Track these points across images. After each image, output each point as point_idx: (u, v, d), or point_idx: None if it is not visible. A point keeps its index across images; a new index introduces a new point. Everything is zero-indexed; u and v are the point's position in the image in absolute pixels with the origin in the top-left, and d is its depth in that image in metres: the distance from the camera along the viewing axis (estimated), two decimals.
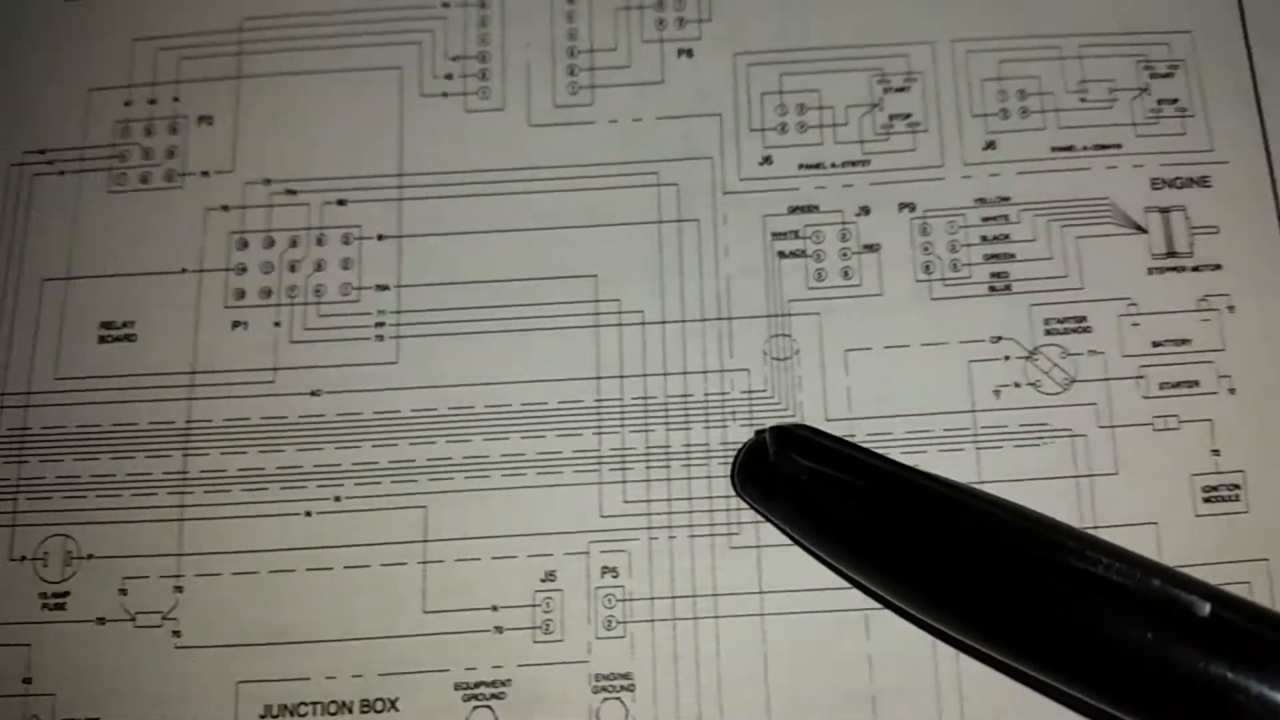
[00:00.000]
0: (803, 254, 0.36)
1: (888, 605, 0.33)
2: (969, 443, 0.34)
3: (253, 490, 0.35)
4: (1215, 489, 0.34)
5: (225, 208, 0.38)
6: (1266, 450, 0.35)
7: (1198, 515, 0.34)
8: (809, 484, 0.30)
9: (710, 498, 0.34)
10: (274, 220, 0.37)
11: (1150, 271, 0.36)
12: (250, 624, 0.34)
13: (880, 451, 0.33)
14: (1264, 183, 0.37)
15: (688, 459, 0.34)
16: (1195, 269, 0.37)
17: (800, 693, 0.33)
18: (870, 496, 0.29)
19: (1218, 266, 0.37)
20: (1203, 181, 0.36)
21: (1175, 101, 0.38)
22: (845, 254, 0.36)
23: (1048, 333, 0.36)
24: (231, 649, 0.34)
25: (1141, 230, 0.36)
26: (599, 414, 0.35)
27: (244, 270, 0.37)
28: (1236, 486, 0.34)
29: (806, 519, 0.31)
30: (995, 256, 0.36)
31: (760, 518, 0.35)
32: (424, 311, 0.37)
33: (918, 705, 0.33)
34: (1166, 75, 0.38)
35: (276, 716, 0.34)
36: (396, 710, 0.33)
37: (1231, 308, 0.36)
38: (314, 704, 0.33)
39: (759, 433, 0.34)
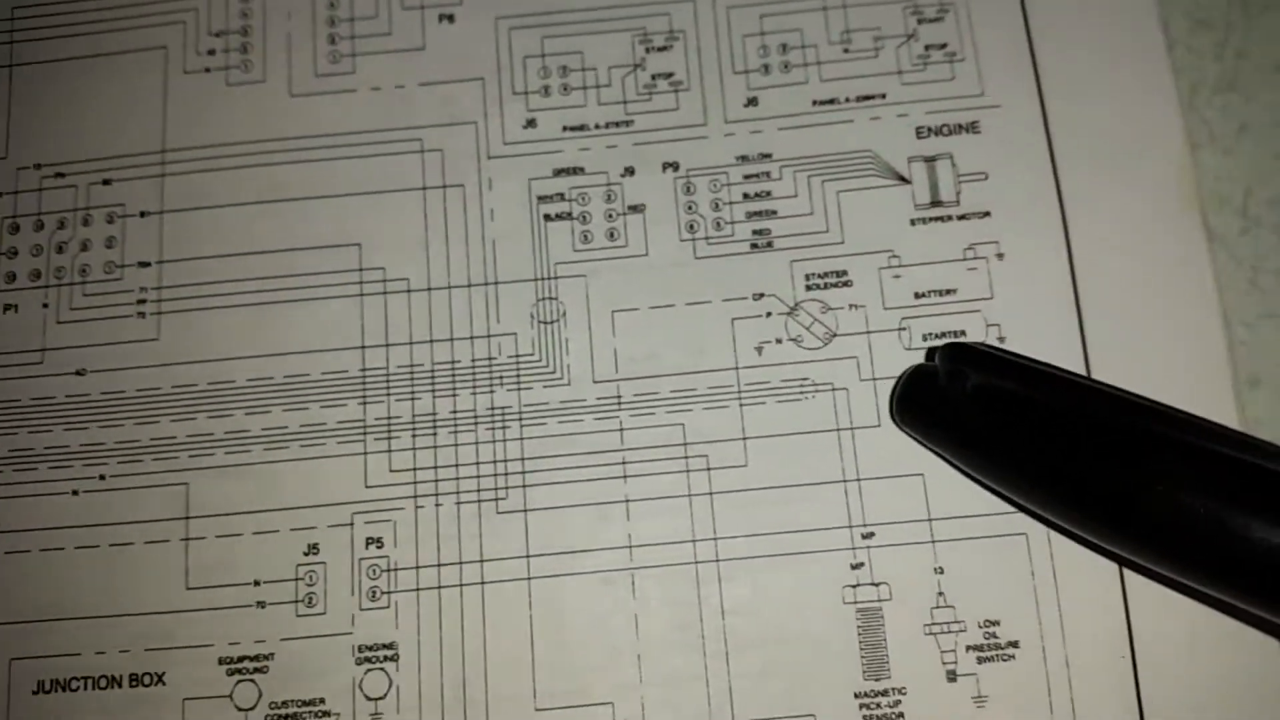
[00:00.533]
0: (569, 216, 0.36)
1: (1063, 531, 0.33)
2: (732, 399, 0.34)
3: (22, 470, 0.36)
4: None
5: None
6: None
7: None
8: (988, 400, 0.29)
9: (477, 464, 0.34)
10: (44, 204, 0.37)
11: (913, 222, 0.36)
12: (22, 602, 0.35)
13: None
14: (1036, 125, 0.37)
15: (454, 425, 0.34)
16: (962, 217, 0.36)
17: (566, 655, 0.34)
18: (1055, 409, 0.28)
19: (986, 214, 0.37)
20: (972, 128, 0.36)
21: (944, 46, 0.38)
22: (611, 215, 0.36)
23: (808, 288, 0.36)
24: (3, 626, 0.35)
25: (905, 181, 0.35)
26: (364, 383, 0.35)
27: (15, 254, 0.37)
28: None
29: (984, 439, 0.30)
30: (757, 214, 0.36)
31: (524, 483, 0.35)
32: (185, 286, 0.36)
33: (680, 660, 0.34)
34: (935, 20, 0.38)
35: (49, 692, 0.34)
36: (164, 684, 0.33)
37: (1000, 255, 0.36)
38: (85, 679, 0.34)
39: (926, 356, 0.35)
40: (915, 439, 0.32)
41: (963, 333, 0.34)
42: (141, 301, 0.36)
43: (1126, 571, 0.33)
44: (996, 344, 0.34)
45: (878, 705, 0.32)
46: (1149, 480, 0.26)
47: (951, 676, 0.33)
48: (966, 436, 0.30)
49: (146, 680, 0.34)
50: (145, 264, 0.36)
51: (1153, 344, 0.35)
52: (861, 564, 0.34)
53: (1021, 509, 0.33)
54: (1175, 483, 0.25)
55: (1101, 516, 0.27)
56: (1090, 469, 0.27)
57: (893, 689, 0.32)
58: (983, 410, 0.29)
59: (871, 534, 0.34)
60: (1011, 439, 0.29)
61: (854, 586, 0.34)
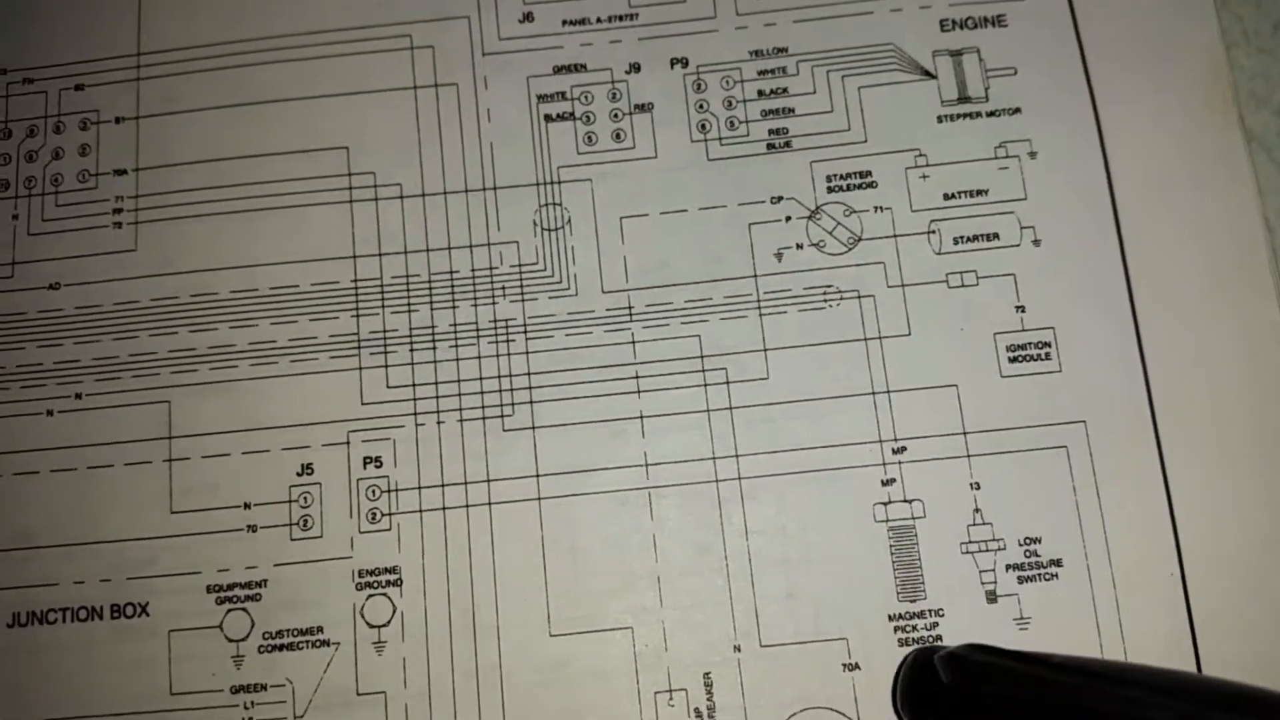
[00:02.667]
0: (571, 117, 0.34)
1: None
2: (751, 309, 0.32)
3: None
4: (1022, 348, 0.33)
5: None
6: (1077, 305, 0.33)
7: (1003, 376, 0.33)
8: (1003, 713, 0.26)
9: (480, 379, 0.32)
10: (11, 111, 0.35)
11: (940, 120, 0.34)
12: None
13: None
14: (1065, 19, 0.35)
15: (455, 339, 0.32)
16: (991, 114, 0.35)
17: (580, 578, 0.32)
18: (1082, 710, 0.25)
19: (1016, 110, 0.35)
20: (998, 21, 0.34)
21: None
22: (616, 115, 0.34)
23: (830, 190, 0.34)
24: None
25: (930, 76, 0.33)
26: (356, 295, 0.32)
27: None
28: (1046, 344, 0.33)
29: None
30: (773, 112, 0.34)
31: (531, 399, 0.33)
32: (164, 195, 0.34)
33: (701, 583, 0.32)
34: None
35: (25, 625, 0.32)
36: (147, 615, 0.31)
37: (1033, 154, 0.34)
38: (63, 610, 0.32)
39: (920, 653, 0.30)
40: None
41: (996, 235, 0.32)
42: (118, 211, 0.34)
43: (1173, 483, 0.31)
44: (995, 646, 0.28)
45: (913, 628, 0.30)
46: None
47: (991, 597, 0.31)
48: None
49: (129, 611, 0.32)
50: (121, 172, 0.34)
51: (1195, 252, 0.33)
52: (893, 480, 0.32)
53: None
54: None
55: None
56: None
57: (929, 610, 0.31)
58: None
59: (903, 448, 0.32)
60: None
61: (885, 504, 0.32)
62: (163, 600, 0.32)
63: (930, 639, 0.30)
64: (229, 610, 0.31)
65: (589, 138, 0.33)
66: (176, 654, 0.31)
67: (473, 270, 0.33)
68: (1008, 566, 0.32)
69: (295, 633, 0.31)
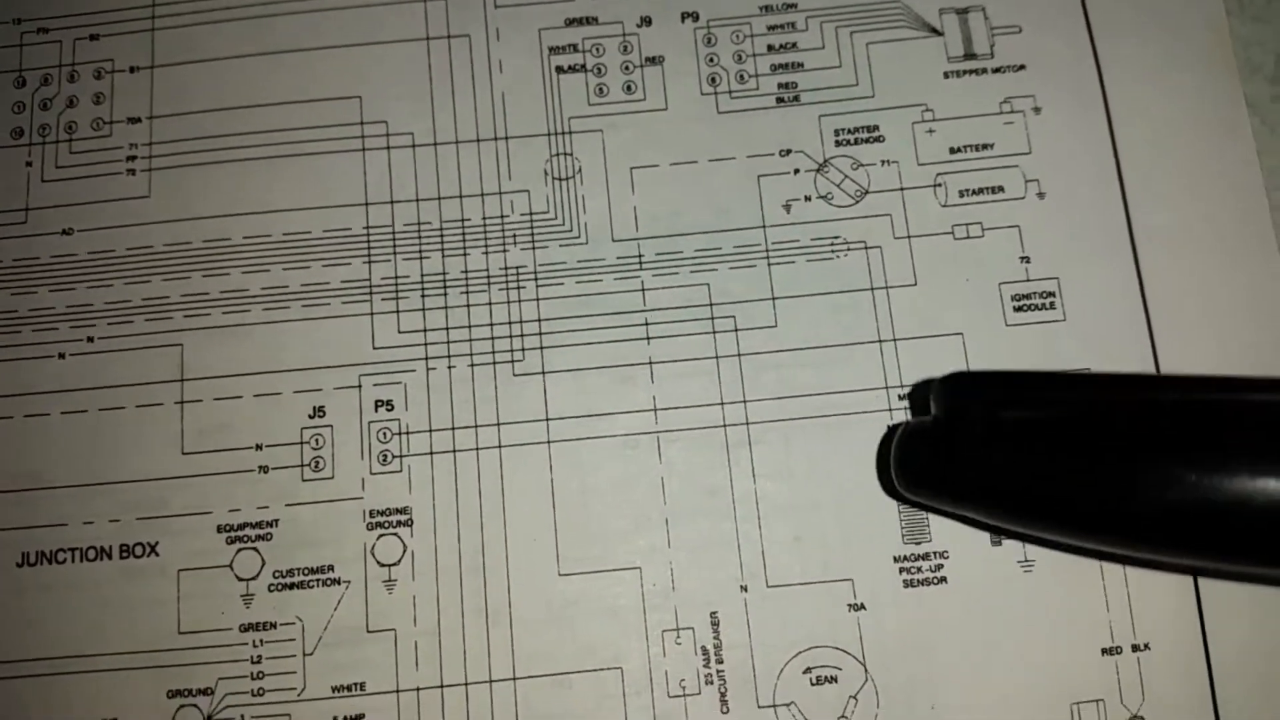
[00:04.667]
0: (582, 68, 0.34)
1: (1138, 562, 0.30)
2: (760, 259, 0.32)
3: (6, 334, 0.33)
4: (1027, 297, 0.33)
5: None
6: (1080, 255, 0.33)
7: (1008, 325, 0.33)
8: (1011, 433, 0.26)
9: (491, 325, 0.32)
10: (26, 60, 0.35)
11: (947, 75, 0.34)
12: (3, 470, 0.33)
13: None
14: None
15: (466, 285, 0.32)
16: (996, 70, 0.35)
17: (589, 520, 0.32)
18: (1094, 413, 0.25)
19: (1021, 67, 0.35)
20: None
21: None
22: (627, 68, 0.34)
23: (838, 144, 0.35)
24: None
25: (936, 33, 0.34)
26: (368, 242, 0.33)
27: None
28: (1050, 294, 0.33)
29: (1019, 481, 0.26)
30: (783, 66, 0.34)
31: (541, 344, 0.34)
32: (177, 142, 0.35)
33: (708, 525, 0.32)
34: None
35: (34, 565, 0.32)
36: (157, 555, 0.31)
37: (1037, 109, 0.35)
38: (72, 550, 0.32)
39: (911, 393, 0.31)
40: (928, 507, 0.30)
41: (1001, 188, 0.32)
42: (131, 158, 0.34)
43: None
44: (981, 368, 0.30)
45: (918, 570, 0.30)
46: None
47: (996, 540, 0.30)
48: (996, 485, 0.26)
49: (138, 550, 0.32)
50: (135, 120, 0.34)
51: (1196, 208, 0.34)
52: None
53: (1082, 551, 0.31)
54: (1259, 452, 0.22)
55: (1198, 522, 0.24)
56: (1165, 467, 0.23)
57: (934, 553, 0.31)
58: (1010, 446, 0.26)
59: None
60: (1054, 469, 0.25)
61: None
62: (173, 540, 0.32)
63: (935, 580, 0.30)
64: (239, 550, 0.31)
65: (600, 89, 0.34)
66: (185, 593, 0.31)
67: (484, 218, 0.33)
68: None
69: (306, 571, 0.31)
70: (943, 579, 0.31)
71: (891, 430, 0.31)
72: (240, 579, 0.31)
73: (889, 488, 0.31)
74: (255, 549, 0.31)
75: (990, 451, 0.27)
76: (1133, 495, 0.25)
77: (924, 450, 0.29)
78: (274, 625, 0.30)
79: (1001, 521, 0.29)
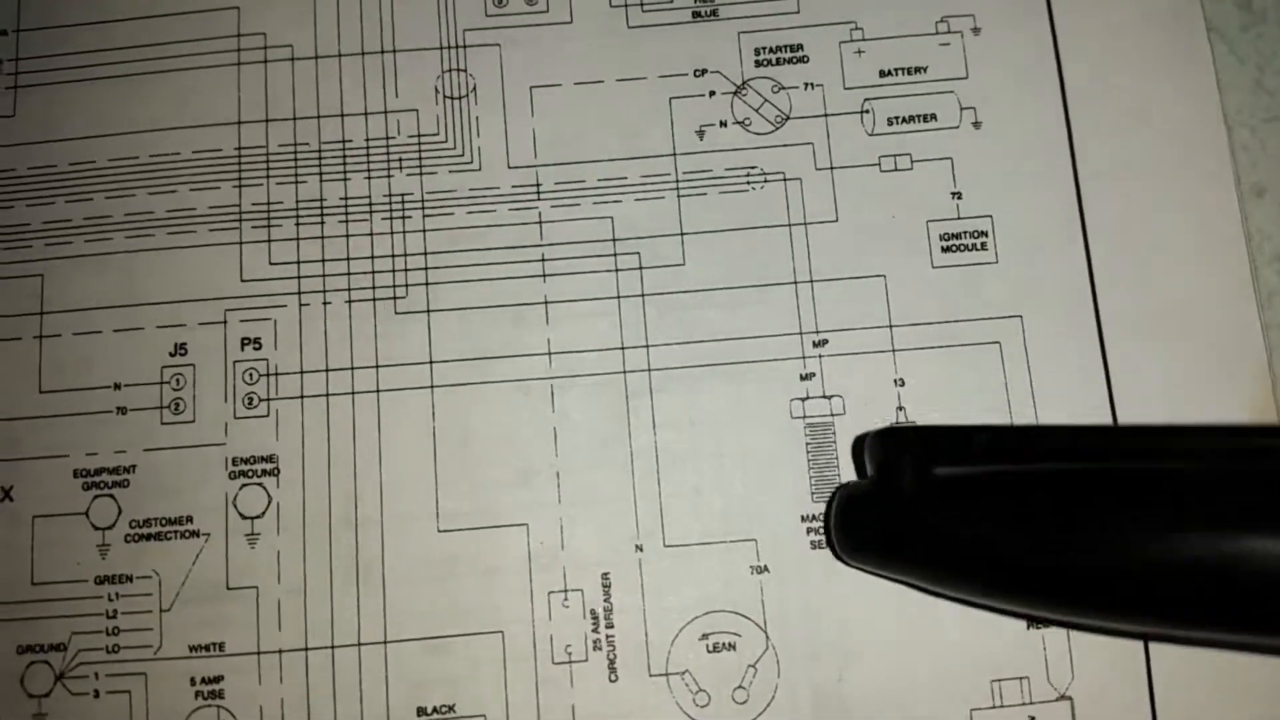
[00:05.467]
0: None
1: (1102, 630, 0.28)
2: (669, 190, 0.30)
3: None
4: (956, 236, 0.30)
5: None
6: (1017, 192, 0.31)
7: (935, 267, 0.30)
8: (955, 491, 0.24)
9: (372, 257, 0.29)
10: None
11: None
12: None
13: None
14: None
15: (345, 213, 0.29)
16: None
17: (473, 471, 0.30)
18: (1039, 469, 0.23)
19: None
20: None
21: None
22: None
23: (758, 64, 0.32)
24: None
25: None
26: (239, 164, 0.30)
27: None
28: (983, 234, 0.31)
29: (965, 541, 0.24)
30: None
31: (427, 280, 0.31)
32: (46, 58, 0.32)
33: (602, 479, 0.30)
34: None
35: None
36: (11, 500, 0.30)
37: (976, 29, 0.32)
38: None
39: (853, 449, 0.30)
40: (875, 573, 0.28)
41: (934, 116, 0.29)
42: None
43: (1116, 386, 0.30)
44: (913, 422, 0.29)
45: (826, 530, 0.27)
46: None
47: None
48: (930, 549, 0.25)
49: None
50: (2, 33, 0.32)
51: (1148, 144, 0.31)
52: (812, 374, 0.30)
53: (1043, 621, 0.28)
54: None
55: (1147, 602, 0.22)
56: (1102, 530, 0.22)
57: None
58: (948, 504, 0.24)
59: (824, 341, 0.30)
60: (988, 531, 0.24)
61: (803, 400, 0.30)
62: (27, 484, 0.30)
63: None
64: (95, 496, 0.29)
65: None
66: (40, 541, 0.29)
67: (367, 139, 0.31)
68: None
69: (163, 522, 0.29)
70: None
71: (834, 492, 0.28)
72: (96, 528, 0.29)
73: (837, 555, 0.28)
74: (112, 496, 0.29)
75: (923, 512, 0.25)
76: (1070, 559, 0.23)
77: (859, 514, 0.27)
78: (130, 578, 0.29)
79: (940, 588, 0.27)
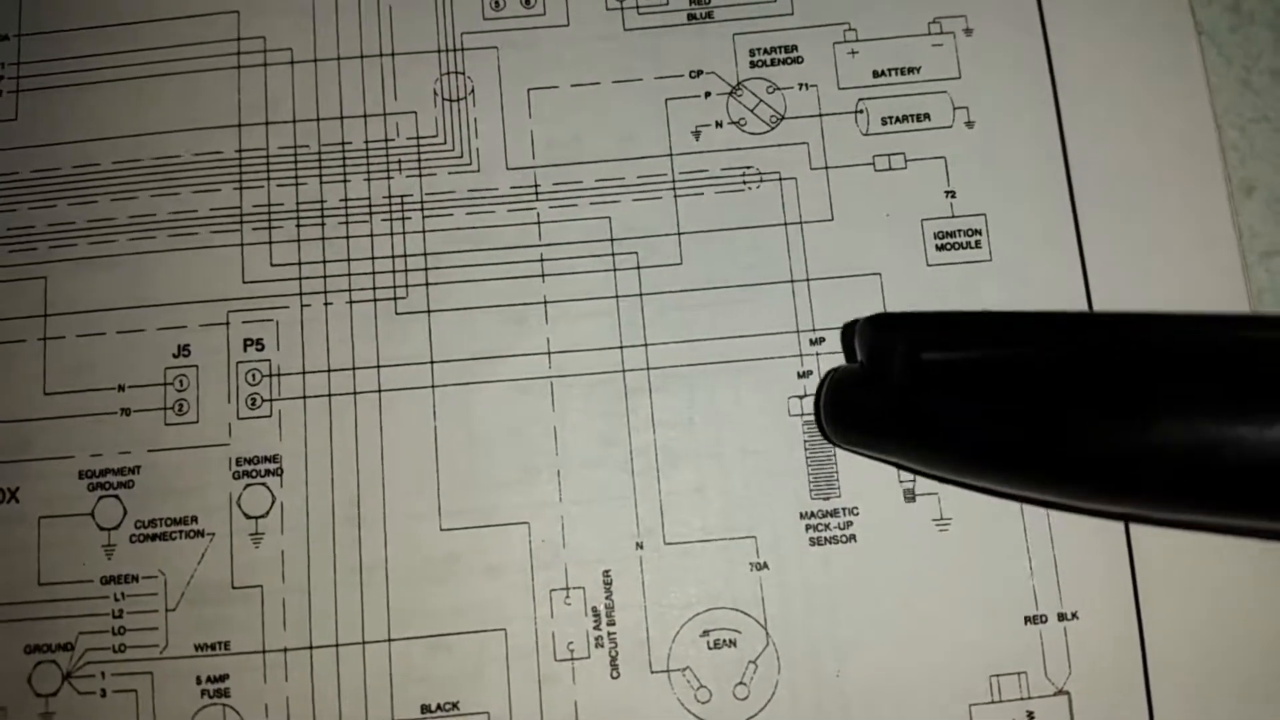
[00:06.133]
0: None
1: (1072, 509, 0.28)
2: (666, 190, 0.30)
3: None
4: (951, 235, 0.31)
5: None
6: (1011, 190, 0.31)
7: (930, 265, 0.31)
8: (938, 374, 0.25)
9: (372, 258, 0.29)
10: None
11: None
12: None
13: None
14: None
15: (345, 215, 0.29)
16: None
17: (475, 470, 0.30)
18: (1023, 352, 0.24)
19: None
20: None
21: None
22: None
23: (753, 65, 0.32)
24: None
25: None
26: (240, 166, 0.30)
27: None
28: (976, 232, 0.31)
29: (947, 423, 0.25)
30: None
31: (427, 280, 0.31)
32: (47, 62, 0.32)
33: (603, 477, 0.30)
34: None
35: None
36: (16, 501, 0.30)
37: (969, 30, 0.32)
38: None
39: (843, 334, 0.30)
40: (862, 453, 0.28)
41: (927, 116, 0.30)
42: None
43: None
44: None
45: (826, 527, 0.28)
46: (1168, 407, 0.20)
47: (909, 496, 0.29)
48: (918, 429, 0.25)
49: None
50: (3, 38, 0.32)
51: (1139, 144, 0.31)
52: (810, 372, 0.30)
53: (1023, 499, 0.29)
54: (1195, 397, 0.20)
55: (1118, 468, 0.22)
56: (1091, 410, 0.22)
57: (843, 509, 0.29)
58: (937, 388, 0.25)
59: (821, 339, 0.31)
60: (977, 412, 0.24)
61: (800, 397, 0.30)
62: (33, 485, 0.30)
63: (844, 538, 0.28)
64: (101, 497, 0.29)
65: (496, 2, 0.32)
66: (46, 542, 0.29)
67: (366, 142, 0.31)
68: None
69: (168, 522, 0.29)
70: (852, 537, 0.29)
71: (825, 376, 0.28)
72: (102, 528, 0.29)
73: (827, 436, 0.28)
74: (117, 496, 0.30)
75: (912, 395, 0.25)
76: (1059, 440, 0.23)
77: (849, 396, 0.27)
78: (136, 578, 0.29)
79: (926, 467, 0.27)
